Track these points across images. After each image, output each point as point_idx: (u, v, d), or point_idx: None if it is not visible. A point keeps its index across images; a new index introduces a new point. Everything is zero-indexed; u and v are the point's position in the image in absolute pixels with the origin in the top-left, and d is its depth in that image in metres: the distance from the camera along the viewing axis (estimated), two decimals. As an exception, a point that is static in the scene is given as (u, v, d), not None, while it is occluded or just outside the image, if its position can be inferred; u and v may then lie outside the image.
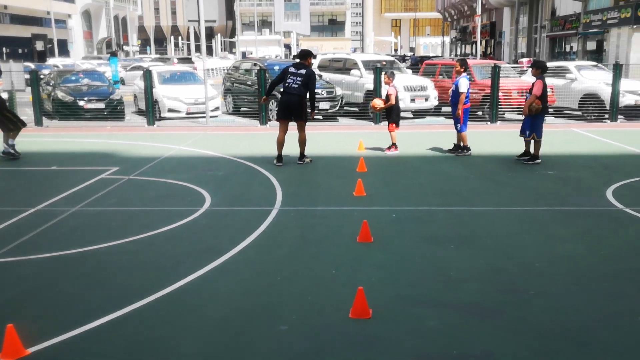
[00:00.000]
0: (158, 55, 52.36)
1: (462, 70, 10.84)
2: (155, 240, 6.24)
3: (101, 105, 16.96)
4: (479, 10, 32.91)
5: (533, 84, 10.10)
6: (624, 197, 7.81)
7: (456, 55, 60.07)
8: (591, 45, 35.83)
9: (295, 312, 4.55)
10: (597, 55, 33.84)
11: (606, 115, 16.16)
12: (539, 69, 10.19)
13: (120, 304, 4.66)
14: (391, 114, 11.10)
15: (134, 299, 4.77)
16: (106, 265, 5.57)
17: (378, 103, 11.24)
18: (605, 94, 16.55)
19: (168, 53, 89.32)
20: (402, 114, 12.52)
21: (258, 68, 15.79)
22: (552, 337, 4.17)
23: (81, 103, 16.73)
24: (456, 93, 10.79)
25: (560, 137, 12.86)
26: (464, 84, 10.66)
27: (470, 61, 19.89)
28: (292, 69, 10.00)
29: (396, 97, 11.05)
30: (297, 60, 10.33)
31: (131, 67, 35.78)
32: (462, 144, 11.00)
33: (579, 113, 17.08)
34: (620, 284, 5.09)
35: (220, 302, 4.75)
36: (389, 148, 11.21)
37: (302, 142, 10.18)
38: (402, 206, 7.50)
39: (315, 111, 10.78)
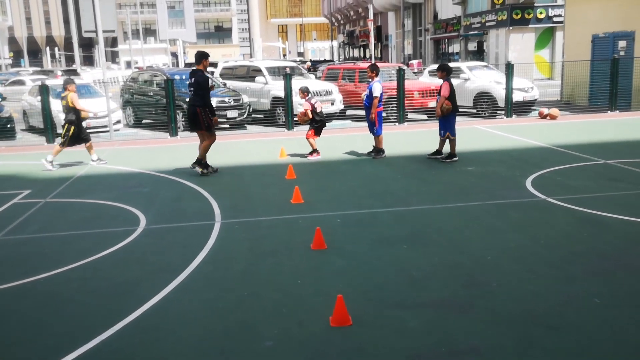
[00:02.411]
0: (38, 68, 49.03)
1: (374, 75, 11.14)
2: (101, 265, 5.87)
3: (-11, 123, 15.67)
4: (371, 15, 33.93)
5: (441, 86, 10.55)
6: (542, 187, 8.37)
7: (346, 59, 61.44)
8: (472, 47, 38.05)
9: (275, 327, 4.46)
10: (479, 56, 36.00)
11: (500, 112, 17.25)
12: (445, 72, 10.65)
13: (85, 337, 4.34)
14: (312, 122, 11.15)
15: (98, 330, 4.45)
16: (55, 296, 5.16)
17: (300, 116, 11.27)
18: (496, 92, 17.68)
19: (44, 65, 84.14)
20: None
21: (164, 79, 15.31)
22: (525, 324, 4.39)
23: (-33, 123, 15.38)
24: (370, 97, 11.06)
25: (467, 134, 13.54)
26: (377, 88, 10.95)
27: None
28: (189, 80, 9.80)
29: (314, 110, 11.06)
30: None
31: (10, 82, 33.43)
32: (377, 147, 11.27)
33: (474, 110, 18.11)
34: (567, 268, 5.45)
35: (192, 323, 4.56)
36: (311, 154, 11.27)
37: (202, 148, 9.93)
38: (343, 210, 7.57)
39: (219, 118, 10.47)
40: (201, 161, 9.93)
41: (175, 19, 71.50)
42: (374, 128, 11.14)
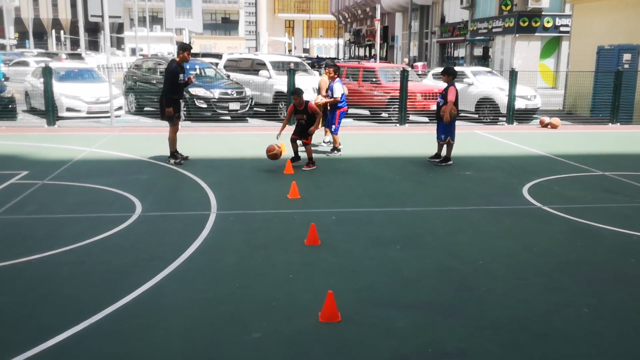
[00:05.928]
0: (43, 50, 48.99)
1: (336, 75, 11.23)
2: (93, 250, 5.89)
3: (-9, 103, 15.66)
4: (378, 15, 33.91)
5: (446, 90, 10.49)
6: (538, 195, 8.39)
7: (351, 57, 61.41)
8: (478, 52, 38.00)
9: (263, 319, 4.48)
10: (484, 62, 35.95)
11: (501, 119, 17.26)
12: (450, 76, 10.60)
13: (74, 320, 4.37)
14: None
15: (87, 313, 4.48)
16: (46, 278, 5.18)
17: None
18: (499, 98, 17.68)
19: (49, 48, 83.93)
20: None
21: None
22: (512, 330, 4.41)
23: (-31, 101, 15.37)
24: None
25: (467, 139, 13.55)
26: (338, 88, 11.07)
27: (378, 64, 20.62)
28: None
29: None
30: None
31: (14, 63, 33.40)
32: (334, 145, 11.40)
33: (476, 116, 18.12)
34: (557, 277, 5.48)
35: (182, 312, 4.58)
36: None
37: (170, 141, 10.01)
38: (339, 208, 7.59)
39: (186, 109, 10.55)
40: (174, 153, 9.99)
41: (183, 8, 70.97)
42: (333, 126, 11.21)
